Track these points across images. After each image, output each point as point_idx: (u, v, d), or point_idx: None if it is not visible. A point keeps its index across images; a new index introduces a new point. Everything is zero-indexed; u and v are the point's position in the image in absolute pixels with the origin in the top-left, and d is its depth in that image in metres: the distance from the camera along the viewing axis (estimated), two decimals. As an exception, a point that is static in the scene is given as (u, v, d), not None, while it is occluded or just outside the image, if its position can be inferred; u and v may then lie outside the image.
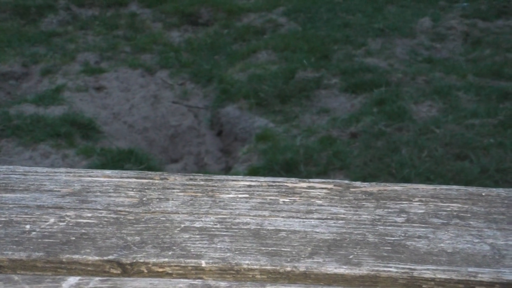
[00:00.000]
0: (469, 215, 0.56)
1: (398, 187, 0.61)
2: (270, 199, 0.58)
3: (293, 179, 0.62)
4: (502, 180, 2.48)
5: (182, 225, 0.53)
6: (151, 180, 0.60)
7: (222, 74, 3.76)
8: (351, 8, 4.79)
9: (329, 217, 0.55)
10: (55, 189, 0.58)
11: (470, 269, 0.49)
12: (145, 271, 0.48)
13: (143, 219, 0.54)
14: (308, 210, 0.57)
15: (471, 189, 0.60)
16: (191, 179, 0.61)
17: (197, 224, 0.54)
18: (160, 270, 0.49)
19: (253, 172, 2.62)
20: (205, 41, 4.38)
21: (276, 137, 2.96)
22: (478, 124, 2.93)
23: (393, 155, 2.67)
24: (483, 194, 0.59)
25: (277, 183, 0.61)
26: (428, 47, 4.20)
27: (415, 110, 3.15)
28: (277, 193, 0.59)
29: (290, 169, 2.63)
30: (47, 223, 0.53)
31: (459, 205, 0.58)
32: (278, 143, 2.88)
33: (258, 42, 4.23)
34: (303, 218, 0.55)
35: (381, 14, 4.68)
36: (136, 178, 0.60)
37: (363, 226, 0.55)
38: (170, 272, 0.48)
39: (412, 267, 0.49)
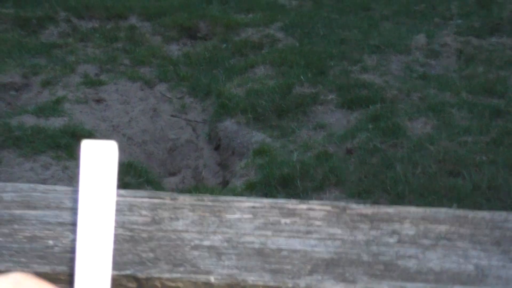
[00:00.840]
0: (456, 236, 0.61)
1: (390, 209, 0.65)
2: (273, 219, 0.63)
3: (294, 200, 0.67)
4: (494, 198, 2.53)
5: (192, 243, 0.58)
6: (162, 200, 0.65)
7: (220, 89, 3.80)
8: (347, 24, 4.85)
9: (327, 237, 0.60)
10: (74, 207, 0.62)
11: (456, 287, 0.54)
12: (159, 285, 0.53)
13: (156, 237, 0.58)
14: (308, 231, 0.61)
15: (458, 211, 0.65)
16: (199, 200, 0.65)
17: (206, 243, 0.58)
18: (173, 284, 0.53)
19: (250, 187, 2.66)
20: (204, 55, 4.42)
21: (273, 152, 3.00)
22: (471, 141, 2.97)
23: (388, 171, 2.72)
24: (469, 216, 0.64)
25: (279, 205, 0.65)
26: (423, 63, 4.26)
27: (410, 127, 3.19)
28: (279, 214, 0.64)
29: (286, 184, 2.67)
30: (68, 239, 0.57)
31: (447, 227, 0.62)
32: (275, 158, 2.92)
33: (256, 57, 4.27)
34: (303, 238, 0.60)
35: (377, 30, 4.75)
36: (149, 198, 0.65)
37: (358, 246, 0.59)
38: (182, 286, 0.53)
39: (403, 285, 0.54)
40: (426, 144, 2.97)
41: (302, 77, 3.83)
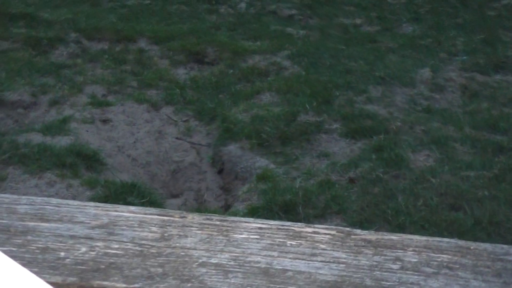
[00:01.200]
0: (457, 266, 0.62)
1: (394, 237, 0.67)
2: (279, 241, 0.64)
3: (300, 223, 0.68)
4: (495, 233, 2.53)
5: (200, 260, 0.59)
6: (171, 218, 0.66)
7: (225, 113, 3.83)
8: (353, 55, 4.91)
9: (331, 261, 0.61)
10: (85, 221, 0.64)
11: (456, 316, 0.55)
12: (167, 300, 0.54)
13: (164, 253, 0.60)
14: (313, 253, 0.63)
15: (460, 242, 0.66)
16: (207, 219, 0.67)
17: (213, 260, 0.60)
18: (180, 300, 0.54)
19: (253, 211, 2.67)
20: (210, 79, 4.46)
21: (276, 178, 3.01)
22: (473, 176, 2.98)
23: (389, 202, 2.72)
24: (471, 247, 0.65)
25: (285, 227, 0.67)
26: (427, 97, 4.29)
27: (412, 159, 3.21)
28: (285, 236, 0.65)
29: (288, 211, 2.67)
30: (80, 252, 0.59)
31: (449, 256, 0.64)
32: (277, 184, 2.93)
33: (262, 84, 4.32)
34: (308, 260, 0.61)
35: (382, 62, 4.80)
36: (158, 215, 0.67)
37: (362, 270, 0.61)
38: (189, 302, 0.54)
39: (405, 310, 0.55)
40: (428, 176, 2.98)
41: (307, 105, 3.86)
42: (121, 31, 5.14)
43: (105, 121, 3.72)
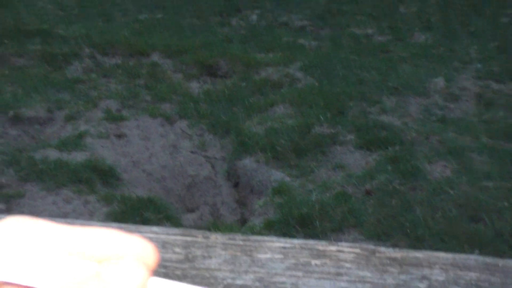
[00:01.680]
0: (486, 284, 0.61)
1: (420, 254, 0.66)
2: (303, 260, 0.63)
3: (324, 242, 0.67)
4: (516, 244, 2.49)
5: (225, 282, 0.59)
6: (194, 238, 0.66)
7: (239, 126, 3.83)
8: (365, 65, 4.90)
9: (357, 280, 0.61)
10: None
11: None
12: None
13: (189, 275, 0.60)
14: (338, 272, 0.62)
15: (488, 259, 0.65)
16: (231, 239, 0.66)
17: (238, 282, 0.59)
18: (207, 323, 0.54)
19: (269, 225, 2.65)
20: (224, 92, 4.47)
21: (292, 191, 3.00)
22: (492, 186, 2.95)
23: (407, 214, 2.70)
24: (500, 264, 0.64)
25: (309, 246, 0.66)
26: (442, 106, 4.26)
27: (429, 170, 3.18)
28: (309, 255, 0.64)
29: (305, 224, 2.66)
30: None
31: (477, 274, 0.62)
32: (293, 197, 2.91)
33: (275, 96, 4.32)
34: (333, 280, 0.61)
35: (395, 72, 4.79)
36: (182, 235, 0.66)
37: (389, 289, 0.60)
38: (215, 325, 0.54)
39: (434, 330, 0.54)
40: (446, 188, 2.95)
41: (321, 117, 3.85)
42: (134, 45, 5.19)
43: (120, 136, 3.74)
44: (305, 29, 6.04)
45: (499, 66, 4.93)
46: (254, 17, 6.36)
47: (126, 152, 3.57)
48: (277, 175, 3.20)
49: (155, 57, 5.17)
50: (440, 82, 4.76)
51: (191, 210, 3.17)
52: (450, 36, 5.72)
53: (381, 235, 2.54)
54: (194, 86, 4.70)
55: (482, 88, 4.56)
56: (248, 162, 3.43)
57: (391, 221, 2.65)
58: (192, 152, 3.67)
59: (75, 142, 3.55)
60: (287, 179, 3.15)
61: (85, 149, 3.47)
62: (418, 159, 3.26)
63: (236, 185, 3.37)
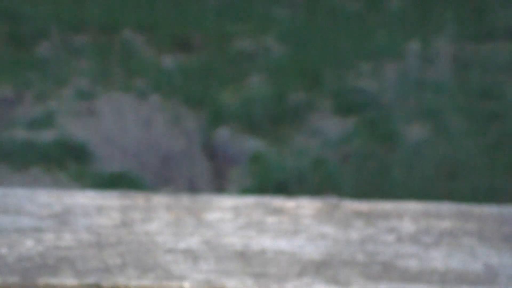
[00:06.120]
0: (461, 233, 0.55)
1: (388, 205, 0.60)
2: (257, 218, 0.57)
3: (280, 197, 0.61)
4: (495, 200, 2.49)
5: (166, 247, 0.52)
6: (134, 201, 0.59)
7: (214, 98, 3.78)
8: (341, 32, 4.85)
9: (317, 237, 0.54)
10: (34, 211, 0.56)
11: (463, 289, 0.48)
12: (127, 294, 0.47)
13: (125, 241, 0.52)
14: (296, 230, 0.55)
15: (462, 206, 0.59)
16: (176, 199, 0.59)
17: (181, 245, 0.52)
18: (142, 293, 0.47)
19: (246, 194, 2.62)
20: (197, 65, 4.41)
21: (268, 159, 2.97)
22: (468, 144, 2.95)
23: (385, 176, 2.68)
24: (475, 211, 0.58)
25: (264, 202, 0.59)
26: (418, 69, 4.24)
27: (406, 132, 3.17)
28: (264, 213, 0.58)
29: (282, 191, 2.63)
30: (25, 247, 0.51)
31: (451, 223, 0.56)
32: (270, 165, 2.88)
33: (250, 66, 4.26)
34: (290, 238, 0.54)
35: (371, 37, 4.74)
36: (119, 198, 0.59)
37: (353, 245, 0.53)
38: (152, 295, 0.47)
39: (403, 286, 0.48)
40: (423, 148, 2.94)
41: (296, 84, 3.81)
42: (104, 21, 5.05)
43: (91, 113, 3.66)
44: (279, -3, 5.94)
45: (474, 27, 4.90)
46: (226, -13, 6.22)
47: (99, 129, 3.49)
48: (253, 145, 3.17)
49: (126, 33, 5.05)
50: (415, 45, 4.73)
51: (167, 184, 3.12)
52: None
53: (359, 198, 2.52)
54: (167, 61, 4.61)
55: (457, 49, 4.54)
56: (223, 133, 3.39)
57: (369, 184, 2.63)
58: (166, 126, 3.60)
59: (45, 121, 3.45)
60: (263, 147, 3.12)
61: (55, 128, 3.39)
62: (395, 122, 3.24)
63: (212, 156, 3.33)
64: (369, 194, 2.58)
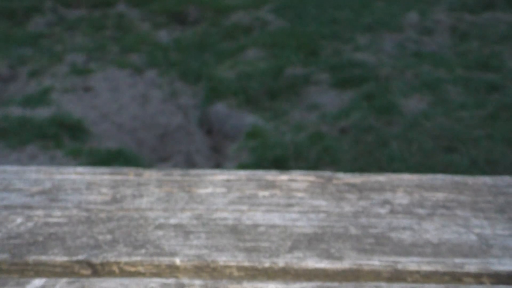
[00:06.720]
0: (455, 204, 0.54)
1: (381, 178, 0.59)
2: (249, 193, 0.56)
3: (273, 171, 0.60)
4: (492, 172, 2.48)
5: (157, 222, 0.51)
6: (125, 177, 0.58)
7: (210, 72, 3.74)
8: (338, 3, 4.78)
9: (310, 210, 0.53)
10: (24, 188, 0.55)
11: (456, 260, 0.47)
12: (117, 271, 0.46)
13: (115, 217, 0.52)
14: (288, 204, 0.55)
15: (456, 177, 0.58)
16: (167, 175, 0.58)
17: (172, 221, 0.52)
18: (133, 269, 0.46)
19: (243, 169, 2.61)
20: (193, 39, 4.35)
21: (266, 134, 2.94)
22: (467, 116, 2.92)
23: (383, 149, 2.66)
24: (469, 182, 0.57)
25: (257, 176, 0.59)
26: (416, 41, 4.19)
27: (404, 104, 3.14)
28: (256, 187, 0.57)
29: (280, 166, 2.61)
30: (14, 224, 0.51)
31: (445, 195, 0.56)
32: (267, 139, 2.86)
33: (246, 40, 4.21)
34: (283, 212, 0.53)
35: (369, 9, 4.68)
36: (110, 174, 0.58)
37: (345, 218, 0.53)
38: (143, 271, 0.46)
39: (397, 259, 0.47)
40: (422, 120, 2.92)
41: (293, 58, 3.76)
42: (97, -5, 4.97)
43: (87, 89, 3.62)
44: (275, -32, 5.84)
45: (473, -4, 4.83)
46: (221, -41, 6.12)
47: (94, 105, 3.46)
48: (250, 119, 3.14)
49: (121, 6, 4.97)
50: (413, 16, 4.67)
51: (165, 160, 3.11)
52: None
53: (357, 171, 2.51)
54: (163, 35, 4.55)
55: (456, 20, 4.49)
56: (220, 108, 3.35)
57: (367, 157, 2.62)
58: (163, 101, 3.57)
59: (40, 98, 3.42)
60: (261, 122, 3.10)
61: (51, 105, 3.36)
62: (393, 94, 3.21)
63: (209, 131, 3.30)
64: (367, 167, 2.57)
